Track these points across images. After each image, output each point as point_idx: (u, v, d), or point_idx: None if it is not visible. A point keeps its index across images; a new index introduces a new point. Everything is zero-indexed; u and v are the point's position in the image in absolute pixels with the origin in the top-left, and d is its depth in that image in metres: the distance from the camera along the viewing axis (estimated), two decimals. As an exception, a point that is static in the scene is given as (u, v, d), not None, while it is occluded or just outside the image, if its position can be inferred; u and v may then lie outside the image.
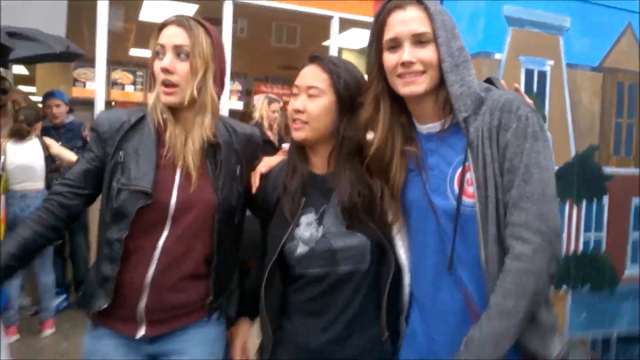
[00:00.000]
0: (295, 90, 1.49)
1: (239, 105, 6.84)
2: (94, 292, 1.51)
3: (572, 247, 2.15)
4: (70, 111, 5.00)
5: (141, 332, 1.49)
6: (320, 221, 1.47)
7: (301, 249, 1.46)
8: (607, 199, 2.21)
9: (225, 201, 1.51)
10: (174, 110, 1.51)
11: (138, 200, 1.44)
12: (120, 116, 1.55)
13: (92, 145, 1.54)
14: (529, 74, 2.05)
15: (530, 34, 2.04)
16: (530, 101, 1.34)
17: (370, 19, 1.39)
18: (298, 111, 1.45)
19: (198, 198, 1.49)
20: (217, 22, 6.19)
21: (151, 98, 1.53)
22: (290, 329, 1.52)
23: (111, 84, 7.41)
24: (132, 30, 7.98)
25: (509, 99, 1.29)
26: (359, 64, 1.50)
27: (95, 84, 5.63)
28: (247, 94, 7.20)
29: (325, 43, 6.70)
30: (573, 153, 2.13)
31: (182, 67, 1.48)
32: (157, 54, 1.49)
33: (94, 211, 1.63)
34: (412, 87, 1.32)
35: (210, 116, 1.52)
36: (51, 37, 4.90)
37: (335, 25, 5.68)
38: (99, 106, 5.53)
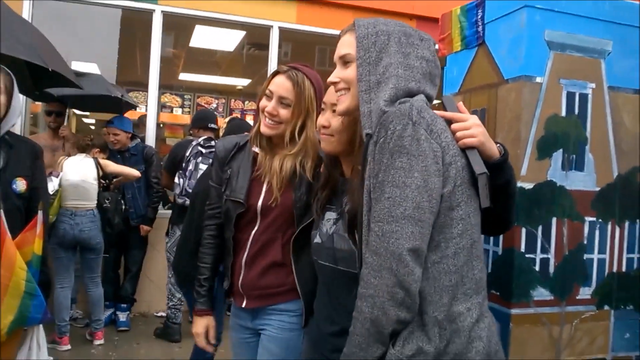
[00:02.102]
0: (322, 106, 1.72)
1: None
2: (224, 277, 2.06)
3: (615, 267, 2.15)
4: (134, 137, 5.21)
5: (244, 303, 1.97)
6: (337, 220, 1.65)
7: (316, 239, 1.70)
8: (650, 220, 2.21)
9: (301, 200, 1.87)
10: (270, 140, 1.95)
11: (237, 207, 1.93)
12: (233, 140, 2.07)
13: (217, 170, 2.03)
14: (571, 96, 2.09)
15: (572, 57, 2.08)
16: (459, 117, 1.39)
17: None
18: (324, 127, 1.66)
19: (279, 202, 1.89)
20: (264, 47, 6.41)
21: (254, 128, 1.99)
22: (314, 312, 1.77)
23: (160, 106, 7.70)
24: (182, 55, 8.29)
25: (391, 112, 1.31)
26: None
27: (146, 107, 5.89)
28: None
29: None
30: (615, 174, 2.15)
31: (284, 112, 1.88)
32: (266, 95, 1.91)
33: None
34: (339, 105, 1.50)
35: (312, 160, 1.89)
36: (109, 83, 5.18)
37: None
38: (150, 127, 5.78)
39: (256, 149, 1.97)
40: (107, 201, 4.53)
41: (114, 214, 4.58)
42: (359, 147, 1.55)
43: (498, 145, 1.47)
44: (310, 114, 1.88)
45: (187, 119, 8.77)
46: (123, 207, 4.76)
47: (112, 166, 4.61)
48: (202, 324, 2.03)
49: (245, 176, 1.96)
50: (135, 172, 4.68)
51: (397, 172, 1.24)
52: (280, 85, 1.88)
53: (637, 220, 2.19)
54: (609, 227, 2.15)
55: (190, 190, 4.29)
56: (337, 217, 1.67)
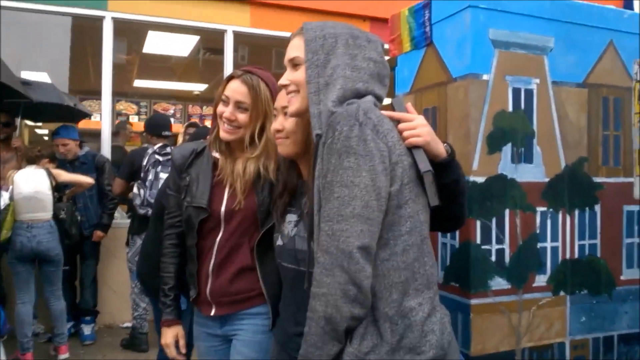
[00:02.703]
0: (274, 112, 1.77)
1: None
2: (188, 285, 2.02)
3: (568, 254, 2.24)
4: (81, 144, 5.12)
5: (213, 311, 1.95)
6: (298, 222, 1.67)
7: (278, 242, 1.72)
8: (598, 207, 2.31)
9: (264, 203, 1.87)
10: (228, 144, 1.95)
11: (199, 214, 1.91)
12: (189, 147, 2.04)
13: (174, 178, 2.02)
14: (516, 92, 2.17)
15: (516, 54, 2.16)
16: (406, 117, 1.42)
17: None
18: (278, 131, 1.69)
19: (243, 206, 1.89)
20: (219, 51, 6.38)
21: (213, 132, 1.97)
22: (281, 313, 1.78)
23: (116, 114, 7.55)
24: (136, 62, 8.17)
25: (338, 114, 1.35)
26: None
27: (100, 115, 5.78)
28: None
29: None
30: (563, 165, 2.24)
31: (242, 117, 1.89)
32: (222, 100, 1.91)
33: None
34: (290, 107, 1.55)
35: (274, 162, 1.88)
36: (62, 92, 5.05)
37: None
38: (105, 137, 5.68)
39: (216, 154, 1.96)
40: (62, 212, 4.42)
41: (71, 225, 4.47)
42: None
43: (445, 145, 1.51)
44: (268, 115, 1.88)
45: (143, 126, 8.67)
46: (79, 217, 4.67)
47: (64, 175, 4.50)
48: (171, 334, 2.02)
49: (205, 182, 1.93)
50: (88, 180, 4.59)
51: (346, 172, 1.27)
52: (236, 90, 1.88)
53: (587, 208, 2.29)
54: (560, 216, 2.24)
55: (152, 201, 4.24)
56: (297, 219, 1.69)
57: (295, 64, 1.51)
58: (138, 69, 8.36)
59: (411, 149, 1.40)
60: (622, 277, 2.37)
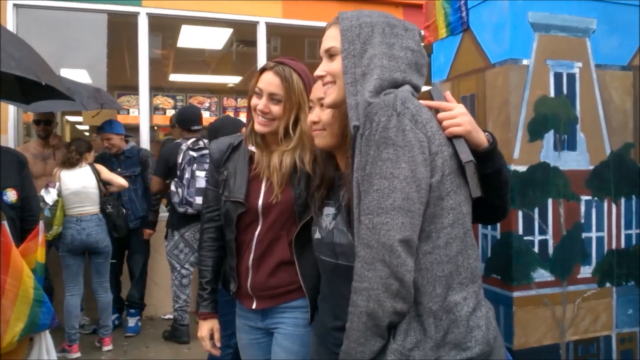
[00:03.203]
0: (310, 104, 1.74)
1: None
2: (229, 279, 2.02)
3: (614, 244, 2.16)
4: (127, 139, 5.20)
5: (254, 304, 1.96)
6: (336, 215, 1.66)
7: (317, 235, 1.71)
8: (646, 195, 2.22)
9: (301, 196, 1.86)
10: (264, 137, 1.94)
11: (237, 208, 1.91)
12: (226, 141, 2.04)
13: (212, 172, 2.03)
14: (558, 77, 2.09)
15: (557, 38, 2.08)
16: (445, 106, 1.38)
17: None
18: (314, 122, 1.67)
19: (280, 199, 1.88)
20: (252, 43, 6.39)
21: (249, 126, 1.96)
22: (319, 306, 1.77)
23: (153, 109, 7.66)
24: (171, 56, 8.26)
25: (376, 104, 1.31)
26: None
27: (138, 110, 5.86)
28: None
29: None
30: (608, 151, 2.15)
31: (276, 109, 1.87)
32: (255, 93, 1.91)
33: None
34: (326, 98, 1.52)
35: (310, 152, 1.87)
36: (88, 91, 5.07)
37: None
38: (144, 131, 5.77)
39: (252, 148, 1.96)
40: (109, 206, 4.55)
41: (118, 218, 4.61)
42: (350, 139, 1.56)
43: (487, 134, 1.46)
44: (302, 106, 1.87)
45: (181, 120, 8.77)
46: (124, 211, 4.78)
47: (105, 173, 4.60)
48: (206, 327, 2.03)
49: (243, 176, 1.94)
50: (123, 182, 4.64)
51: (384, 163, 1.24)
52: (269, 82, 1.87)
53: (633, 197, 2.20)
54: (605, 204, 2.16)
55: (190, 199, 4.29)
56: (335, 212, 1.68)
57: (331, 55, 1.49)
58: (173, 63, 8.45)
59: (451, 138, 1.36)
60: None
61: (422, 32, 1.57)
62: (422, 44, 1.52)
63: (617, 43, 2.17)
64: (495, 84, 2.10)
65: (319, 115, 1.66)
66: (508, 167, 1.91)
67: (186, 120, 4.69)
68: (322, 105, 1.64)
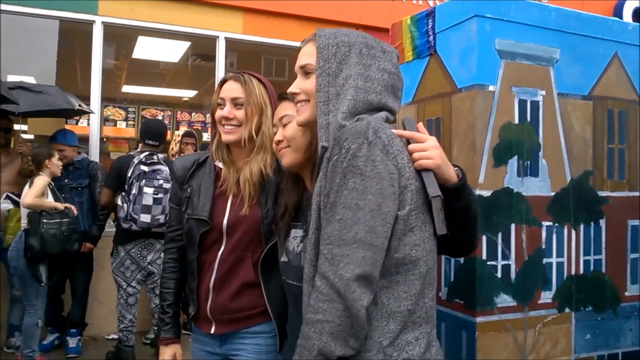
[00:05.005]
0: (275, 129, 1.72)
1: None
2: (188, 301, 1.93)
3: (573, 270, 2.19)
4: (79, 150, 5.02)
5: (213, 329, 1.86)
6: (303, 238, 1.59)
7: (283, 258, 1.66)
8: (603, 222, 2.27)
9: (268, 216, 1.80)
10: (230, 152, 1.90)
11: (201, 226, 1.83)
12: (191, 158, 1.98)
13: (175, 190, 1.95)
14: (522, 104, 2.12)
15: (522, 65, 2.12)
16: (418, 137, 1.34)
17: None
18: (279, 142, 1.64)
19: (246, 217, 1.81)
20: (209, 57, 6.30)
21: (214, 141, 1.92)
22: (287, 334, 1.72)
23: (103, 120, 7.44)
24: (124, 67, 8.06)
25: (346, 129, 1.27)
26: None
27: (88, 121, 5.67)
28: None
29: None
30: (569, 178, 2.19)
31: (239, 114, 1.84)
32: (218, 105, 1.87)
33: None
34: (298, 116, 1.49)
35: (271, 155, 1.82)
36: (68, 95, 4.97)
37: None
38: (94, 143, 5.58)
39: (219, 164, 1.89)
40: (26, 222, 4.09)
41: (31, 237, 4.04)
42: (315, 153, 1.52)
43: (456, 169, 1.42)
44: (264, 110, 1.85)
45: (131, 132, 8.53)
46: (52, 232, 4.14)
47: (28, 198, 4.13)
48: (169, 353, 1.93)
49: (207, 193, 1.87)
50: (46, 205, 4.19)
51: (350, 193, 1.19)
52: (230, 89, 1.87)
53: (592, 223, 2.24)
54: (565, 230, 2.19)
55: (135, 216, 4.12)
56: (303, 234, 1.61)
57: (306, 72, 1.45)
58: (127, 74, 8.25)
59: (421, 171, 1.32)
60: (626, 293, 2.32)
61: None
62: (399, 68, 1.50)
63: (579, 73, 2.23)
64: (461, 109, 2.11)
65: (282, 133, 1.64)
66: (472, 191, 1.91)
67: (145, 131, 4.53)
68: (284, 125, 1.63)
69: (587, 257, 2.23)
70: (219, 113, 1.86)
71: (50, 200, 4.22)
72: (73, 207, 4.41)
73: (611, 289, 2.27)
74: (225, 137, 1.85)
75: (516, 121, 2.10)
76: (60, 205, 4.23)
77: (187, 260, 1.93)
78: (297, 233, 1.64)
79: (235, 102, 1.85)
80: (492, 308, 2.02)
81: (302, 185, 1.68)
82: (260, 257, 1.81)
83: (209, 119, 8.81)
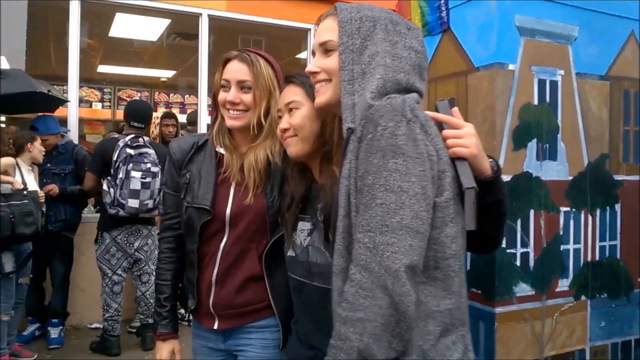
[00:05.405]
0: (279, 114, 1.58)
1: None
2: (187, 294, 1.81)
3: (590, 256, 2.13)
4: (63, 133, 4.78)
5: (216, 324, 1.75)
6: (311, 231, 1.49)
7: (290, 252, 1.55)
8: (618, 206, 2.20)
9: (274, 206, 1.67)
10: (233, 138, 1.74)
11: (202, 216, 1.69)
12: (189, 140, 1.81)
13: (172, 174, 1.79)
14: (542, 84, 2.02)
15: (541, 43, 2.02)
16: (454, 122, 1.24)
17: None
18: (285, 130, 1.52)
19: (250, 206, 1.68)
20: (190, 36, 6.08)
21: (215, 125, 1.75)
22: (293, 331, 1.63)
23: (78, 101, 7.18)
24: (100, 46, 7.77)
25: (380, 106, 1.16)
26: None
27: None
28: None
29: (301, 55, 6.65)
30: (586, 162, 2.12)
31: (246, 98, 1.68)
32: (222, 87, 1.71)
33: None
34: (318, 98, 1.35)
35: (279, 144, 1.65)
36: (34, 79, 4.72)
37: (311, 38, 5.64)
38: (72, 125, 5.35)
39: (221, 150, 1.74)
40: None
41: None
42: (338, 146, 1.40)
43: (491, 160, 1.31)
44: (272, 93, 1.69)
45: (107, 114, 8.27)
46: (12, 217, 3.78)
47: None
48: (166, 349, 1.80)
49: (209, 180, 1.72)
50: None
51: (392, 174, 1.07)
52: (235, 70, 1.69)
53: (607, 208, 2.17)
54: (582, 216, 2.12)
55: (123, 201, 3.94)
56: (311, 227, 1.50)
57: (327, 49, 1.31)
58: (103, 53, 7.96)
59: (454, 160, 1.21)
60: (639, 279, 2.27)
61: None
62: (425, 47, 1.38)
63: (596, 52, 2.14)
64: (479, 89, 2.01)
65: (288, 121, 1.51)
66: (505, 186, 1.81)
67: (129, 113, 4.33)
68: (290, 110, 1.51)
69: (603, 243, 2.16)
70: (222, 96, 1.70)
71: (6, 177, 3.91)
72: (55, 187, 4.25)
73: (625, 275, 2.22)
74: (231, 123, 1.69)
75: (535, 102, 2.01)
76: (19, 184, 3.94)
77: (185, 251, 1.79)
78: (304, 226, 1.52)
79: (242, 86, 1.68)
80: (510, 298, 1.95)
81: (309, 175, 1.56)
82: (265, 249, 1.68)
83: (187, 100, 8.60)
